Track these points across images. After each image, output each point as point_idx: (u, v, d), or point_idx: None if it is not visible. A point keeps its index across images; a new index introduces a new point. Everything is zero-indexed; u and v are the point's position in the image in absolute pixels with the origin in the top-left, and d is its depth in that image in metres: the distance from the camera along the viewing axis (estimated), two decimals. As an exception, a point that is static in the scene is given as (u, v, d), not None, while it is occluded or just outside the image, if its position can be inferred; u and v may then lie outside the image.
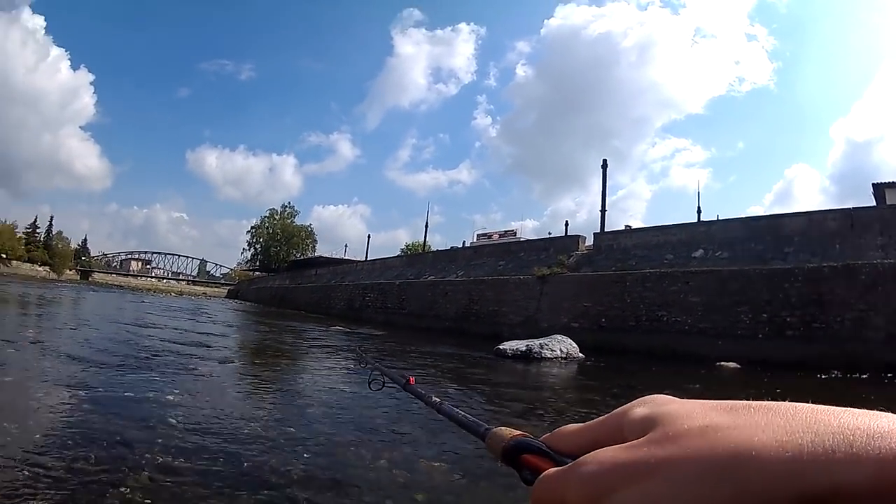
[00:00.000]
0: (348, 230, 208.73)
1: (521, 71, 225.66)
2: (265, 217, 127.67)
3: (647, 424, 0.43)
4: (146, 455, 5.32)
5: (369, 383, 1.85)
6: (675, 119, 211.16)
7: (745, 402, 0.40)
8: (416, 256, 56.27)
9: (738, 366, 18.10)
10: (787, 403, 0.38)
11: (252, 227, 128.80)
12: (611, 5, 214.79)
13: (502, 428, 0.63)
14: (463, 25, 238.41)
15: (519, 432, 0.60)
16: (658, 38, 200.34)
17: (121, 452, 5.37)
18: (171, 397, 8.02)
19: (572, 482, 0.43)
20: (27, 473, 4.59)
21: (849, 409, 0.36)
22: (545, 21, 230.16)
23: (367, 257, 72.75)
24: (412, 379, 1.47)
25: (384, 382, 1.78)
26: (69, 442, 5.55)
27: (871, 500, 0.31)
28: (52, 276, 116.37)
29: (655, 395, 0.48)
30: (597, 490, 0.40)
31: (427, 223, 74.50)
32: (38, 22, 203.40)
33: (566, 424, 0.53)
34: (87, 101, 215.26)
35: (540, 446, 0.54)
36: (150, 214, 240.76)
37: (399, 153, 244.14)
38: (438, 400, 1.03)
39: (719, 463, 0.35)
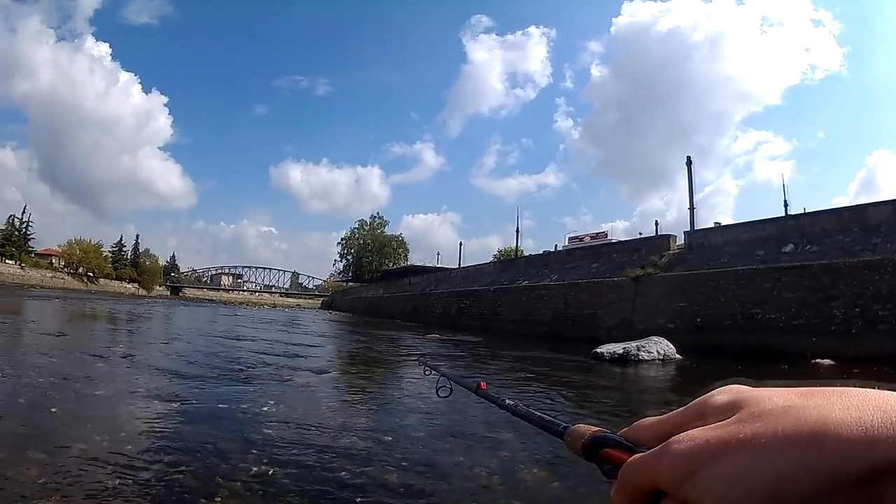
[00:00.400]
0: (439, 238, 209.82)
1: (596, 71, 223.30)
2: (355, 228, 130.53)
3: (731, 407, 0.47)
4: (240, 465, 5.49)
5: (437, 390, 1.85)
6: (753, 112, 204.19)
7: (818, 387, 0.45)
8: (509, 262, 56.33)
9: (833, 362, 17.64)
10: (857, 388, 0.43)
11: (342, 239, 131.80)
12: None
13: (580, 425, 0.66)
14: (533, 29, 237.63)
15: (597, 428, 0.63)
16: (727, 30, 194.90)
17: (214, 462, 5.55)
18: (265, 408, 8.26)
19: (664, 461, 0.46)
20: (119, 482, 4.66)
21: None
22: (613, 19, 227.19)
23: (460, 264, 73.87)
24: (483, 384, 1.40)
25: (451, 389, 1.78)
26: (161, 452, 5.81)
27: None
28: (142, 292, 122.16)
29: (732, 384, 0.52)
30: (689, 466, 0.44)
31: (518, 228, 76.14)
32: (103, 49, 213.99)
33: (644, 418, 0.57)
34: (163, 123, 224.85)
35: (620, 440, 0.58)
36: (238, 230, 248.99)
37: (484, 159, 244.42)
38: (513, 402, 1.02)
39: (803, 437, 0.39)
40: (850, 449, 0.38)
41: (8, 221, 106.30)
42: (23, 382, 8.75)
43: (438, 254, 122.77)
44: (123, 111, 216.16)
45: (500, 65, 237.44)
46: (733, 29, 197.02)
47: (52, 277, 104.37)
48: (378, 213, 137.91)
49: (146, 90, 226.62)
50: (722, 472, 0.42)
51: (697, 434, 0.46)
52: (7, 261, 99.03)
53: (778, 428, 0.41)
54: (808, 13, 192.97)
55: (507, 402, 1.04)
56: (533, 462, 5.95)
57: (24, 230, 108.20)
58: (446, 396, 1.98)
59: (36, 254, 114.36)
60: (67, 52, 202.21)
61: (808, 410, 0.42)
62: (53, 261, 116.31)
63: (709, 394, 0.52)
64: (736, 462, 0.42)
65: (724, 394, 0.50)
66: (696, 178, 45.64)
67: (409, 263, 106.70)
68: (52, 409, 7.19)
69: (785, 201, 48.09)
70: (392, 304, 68.93)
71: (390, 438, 6.99)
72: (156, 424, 6.97)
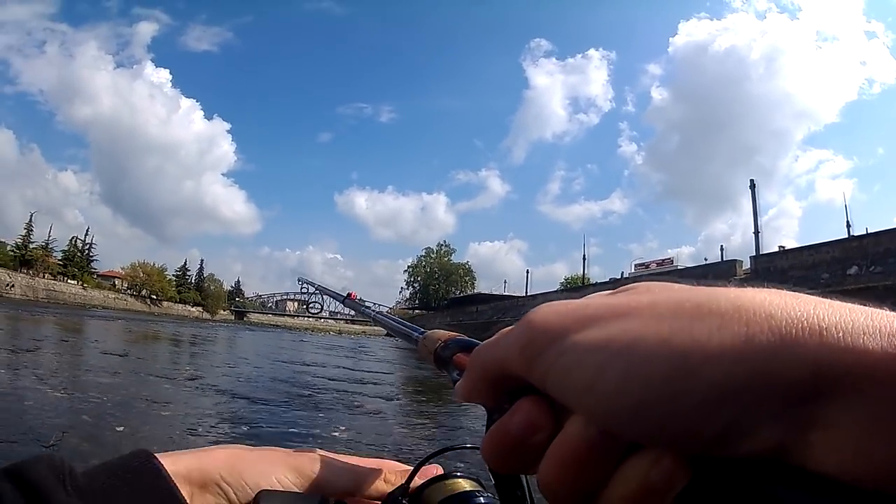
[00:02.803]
0: (506, 265, 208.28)
1: (657, 94, 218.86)
2: (422, 256, 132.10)
3: (624, 290, 0.38)
4: None
5: (307, 306, 2.07)
6: (814, 131, 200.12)
7: None
8: (576, 290, 57.17)
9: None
10: None
11: (409, 266, 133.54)
12: (730, 16, 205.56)
13: (437, 330, 0.62)
14: (592, 52, 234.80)
15: (456, 333, 0.59)
16: (783, 47, 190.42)
17: None
18: (336, 434, 8.33)
19: (514, 334, 0.37)
20: None
21: None
22: (670, 39, 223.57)
23: (527, 292, 75.13)
24: (353, 294, 1.79)
25: (322, 307, 2.12)
26: None
27: (888, 385, 0.26)
28: (206, 316, 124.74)
29: None
30: (549, 334, 0.34)
31: (585, 255, 77.14)
32: (164, 75, 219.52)
33: None
34: (226, 149, 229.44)
35: (478, 343, 0.49)
36: (304, 256, 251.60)
37: (549, 186, 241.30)
38: (374, 310, 1.19)
39: (722, 307, 0.30)
40: (787, 338, 0.28)
41: (70, 243, 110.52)
42: (87, 400, 9.00)
43: (505, 282, 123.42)
44: (185, 137, 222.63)
45: (562, 89, 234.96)
46: (789, 45, 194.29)
47: (114, 298, 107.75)
48: (445, 241, 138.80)
49: (208, 116, 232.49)
50: (597, 341, 0.32)
51: (565, 302, 0.36)
52: (69, 281, 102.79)
53: (685, 297, 0.32)
54: (861, 25, 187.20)
55: (370, 310, 1.24)
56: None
57: (86, 251, 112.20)
58: (317, 313, 2.24)
59: (98, 275, 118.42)
60: (127, 78, 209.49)
61: (726, 290, 0.32)
62: (116, 282, 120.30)
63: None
64: (619, 329, 0.32)
65: (624, 287, 0.39)
66: (759, 201, 45.23)
67: (475, 291, 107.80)
68: (118, 428, 7.36)
69: (847, 222, 47.17)
70: (459, 332, 69.13)
71: (462, 464, 6.90)
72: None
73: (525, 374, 0.35)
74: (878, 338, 0.27)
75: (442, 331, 0.62)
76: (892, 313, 0.28)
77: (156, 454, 0.48)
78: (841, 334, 0.27)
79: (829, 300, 0.30)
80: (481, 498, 0.53)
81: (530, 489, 0.46)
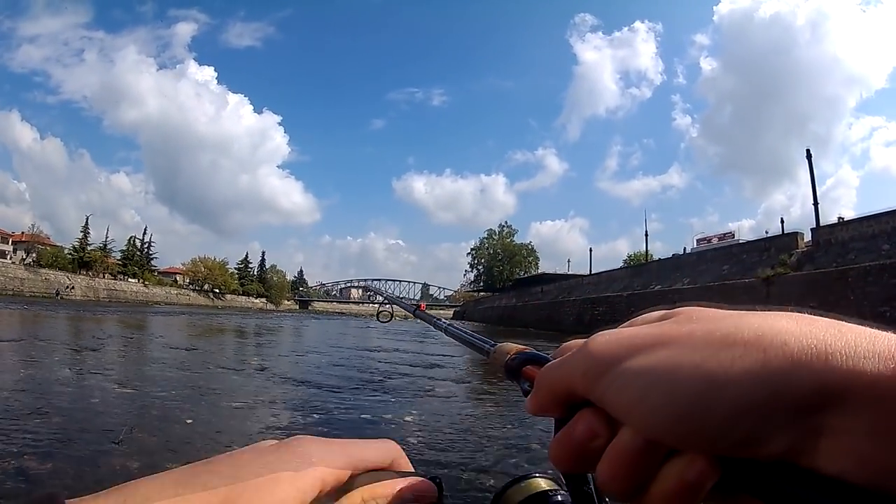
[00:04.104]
0: (568, 244, 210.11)
1: (706, 64, 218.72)
2: (484, 238, 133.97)
3: (665, 317, 0.45)
4: None
5: (377, 315, 2.43)
6: (865, 97, 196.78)
7: None
8: (640, 267, 58.16)
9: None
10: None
11: (472, 249, 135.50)
12: None
13: (507, 343, 0.68)
14: (638, 24, 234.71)
15: (525, 347, 0.64)
16: (827, 11, 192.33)
17: None
18: (409, 418, 8.33)
19: (578, 359, 0.44)
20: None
21: None
22: (714, 8, 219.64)
23: (590, 271, 74.60)
24: (423, 305, 1.97)
25: (392, 314, 2.41)
26: None
27: (883, 400, 0.32)
28: (270, 306, 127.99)
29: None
30: (605, 360, 0.41)
31: (646, 232, 77.05)
32: (208, 73, 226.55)
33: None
34: (279, 141, 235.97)
35: (544, 357, 0.58)
36: (366, 243, 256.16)
37: (607, 162, 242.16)
38: (445, 322, 1.25)
39: (744, 337, 0.37)
40: (798, 360, 0.34)
41: (129, 242, 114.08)
42: (154, 394, 9.05)
43: (569, 260, 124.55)
44: (237, 131, 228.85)
45: (612, 64, 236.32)
46: (833, 9, 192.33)
47: (176, 294, 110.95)
48: (506, 222, 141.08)
49: (257, 110, 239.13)
50: (645, 367, 0.39)
51: (620, 330, 0.44)
52: (130, 279, 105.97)
53: (715, 328, 0.39)
54: None
55: (442, 322, 1.31)
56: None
57: (145, 250, 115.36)
58: (386, 321, 2.54)
59: (160, 272, 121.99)
60: (171, 79, 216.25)
61: (750, 317, 0.39)
62: (178, 278, 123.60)
63: (645, 313, 0.48)
64: (663, 357, 0.39)
65: (661, 310, 0.47)
66: (815, 171, 45.01)
67: (540, 271, 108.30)
68: (188, 421, 7.31)
69: None
70: (525, 313, 69.68)
71: (537, 446, 7.01)
72: (296, 435, 6.89)
73: (585, 392, 0.42)
74: (876, 360, 0.32)
75: (510, 344, 0.67)
76: (893, 335, 0.35)
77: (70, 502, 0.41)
78: (843, 357, 0.33)
79: (840, 324, 0.36)
80: (558, 496, 0.58)
81: (597, 486, 0.52)
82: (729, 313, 0.41)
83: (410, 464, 0.57)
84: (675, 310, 0.45)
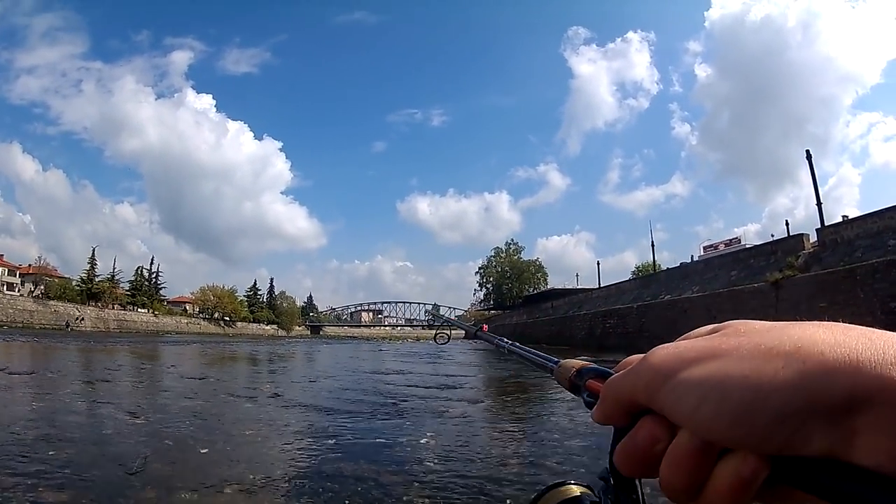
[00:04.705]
0: (576, 259, 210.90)
1: (701, 71, 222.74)
2: (491, 256, 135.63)
3: (715, 331, 0.50)
4: (404, 497, 5.55)
5: (435, 338, 2.44)
6: (861, 94, 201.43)
7: None
8: (648, 277, 58.58)
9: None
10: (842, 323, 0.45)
11: (480, 268, 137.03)
12: None
13: (570, 360, 0.73)
14: (631, 34, 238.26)
15: (586, 362, 0.68)
16: (817, 10, 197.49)
17: (377, 497, 5.56)
18: (424, 440, 8.31)
19: (640, 371, 0.49)
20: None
21: None
22: (705, 14, 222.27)
23: (599, 284, 75.65)
24: (485, 327, 2.00)
25: (449, 336, 2.39)
26: (321, 489, 5.80)
27: None
28: (281, 333, 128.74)
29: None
30: (665, 372, 0.46)
31: (653, 242, 78.89)
32: (207, 101, 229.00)
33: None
34: (280, 167, 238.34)
35: (605, 371, 0.63)
36: (373, 266, 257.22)
37: (609, 175, 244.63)
38: (508, 341, 1.28)
39: (785, 350, 0.42)
40: (832, 368, 0.39)
41: (136, 272, 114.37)
42: (168, 424, 9.01)
43: (577, 275, 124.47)
44: (238, 159, 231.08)
45: (607, 75, 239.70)
46: (823, 8, 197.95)
47: (187, 323, 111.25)
48: (513, 240, 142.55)
49: (258, 137, 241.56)
50: (701, 377, 0.44)
51: (677, 343, 0.49)
52: (139, 310, 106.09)
53: (761, 341, 0.44)
54: None
55: (504, 342, 1.34)
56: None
57: (153, 280, 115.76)
58: (444, 343, 2.59)
59: (169, 301, 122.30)
60: (169, 108, 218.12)
61: (791, 329, 0.44)
62: (187, 307, 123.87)
63: (696, 329, 0.54)
64: (715, 367, 0.44)
65: (711, 325, 0.52)
66: (816, 171, 45.84)
67: (549, 287, 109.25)
68: (202, 451, 7.28)
69: None
70: (536, 329, 70.18)
71: (554, 464, 6.93)
72: (312, 461, 6.98)
73: (647, 402, 0.48)
74: None
75: (573, 360, 0.72)
76: None
77: None
78: (872, 365, 0.38)
79: (872, 333, 0.42)
80: (589, 502, 0.64)
81: (643, 493, 0.62)
82: (772, 326, 0.46)
83: None
84: (724, 324, 0.50)
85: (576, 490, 0.65)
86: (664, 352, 0.48)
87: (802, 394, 0.39)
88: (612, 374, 0.56)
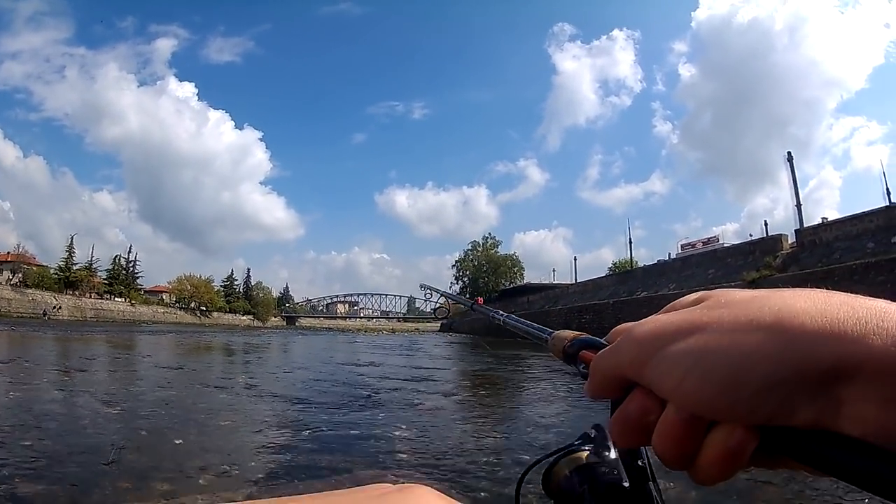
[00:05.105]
0: (553, 254, 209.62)
1: (685, 71, 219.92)
2: (468, 250, 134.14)
3: (698, 301, 0.50)
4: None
5: (434, 312, 2.03)
6: (845, 98, 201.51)
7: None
8: (625, 274, 58.94)
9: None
10: (824, 290, 0.45)
11: (456, 261, 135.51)
12: None
13: (563, 331, 0.72)
14: (617, 32, 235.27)
15: (580, 333, 0.68)
16: (805, 14, 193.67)
17: (349, 487, 5.39)
18: (398, 433, 8.35)
19: (625, 346, 0.49)
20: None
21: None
22: (692, 14, 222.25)
23: (575, 279, 76.00)
24: (480, 300, 1.96)
25: (448, 311, 3.33)
26: (295, 481, 5.85)
27: (891, 371, 0.37)
28: (257, 323, 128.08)
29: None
30: (649, 347, 0.47)
31: (630, 239, 78.81)
32: (188, 89, 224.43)
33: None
34: (260, 157, 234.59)
35: (597, 341, 0.62)
36: (350, 258, 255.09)
37: (588, 171, 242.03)
38: (503, 314, 1.28)
39: (767, 321, 0.42)
40: (815, 338, 0.39)
41: (113, 261, 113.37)
42: (143, 415, 9.03)
43: (553, 270, 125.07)
44: (218, 148, 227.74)
45: (591, 73, 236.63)
46: (811, 12, 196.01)
47: (163, 313, 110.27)
48: (490, 234, 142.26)
49: (238, 126, 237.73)
50: (682, 351, 0.44)
51: (659, 318, 0.50)
52: (116, 299, 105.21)
53: (741, 312, 0.44)
54: None
55: (499, 314, 1.33)
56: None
57: (131, 269, 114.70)
58: (444, 318, 2.36)
59: (146, 291, 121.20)
60: (151, 95, 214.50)
61: (773, 299, 0.44)
62: (164, 297, 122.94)
63: (680, 298, 0.54)
64: (697, 342, 0.44)
65: (694, 294, 0.52)
66: (797, 173, 46.33)
67: (525, 282, 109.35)
68: (177, 441, 7.32)
69: (886, 189, 46.87)
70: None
71: (527, 457, 6.97)
72: (287, 452, 7.05)
73: (634, 377, 0.48)
74: (885, 336, 0.37)
75: (567, 331, 0.70)
76: None
77: None
78: (855, 335, 0.38)
79: (854, 301, 0.42)
80: (606, 466, 0.64)
81: (649, 457, 0.64)
82: (752, 296, 0.45)
83: None
84: (705, 293, 0.50)
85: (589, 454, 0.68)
86: (647, 326, 0.49)
87: (785, 365, 0.39)
88: (605, 345, 0.58)
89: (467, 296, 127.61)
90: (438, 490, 0.53)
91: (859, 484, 0.37)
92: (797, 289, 0.45)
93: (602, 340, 0.60)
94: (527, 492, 0.78)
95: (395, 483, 0.51)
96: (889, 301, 0.41)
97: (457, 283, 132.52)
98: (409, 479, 5.71)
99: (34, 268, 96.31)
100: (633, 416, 0.48)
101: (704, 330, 0.44)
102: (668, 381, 0.44)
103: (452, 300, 2.48)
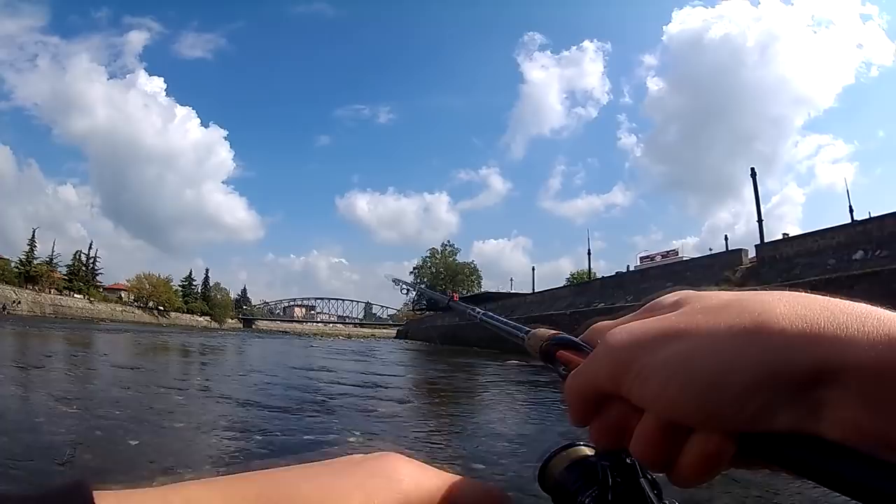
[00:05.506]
0: (511, 263, 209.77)
1: (653, 84, 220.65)
2: (426, 257, 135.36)
3: (676, 305, 0.49)
4: None
5: (413, 305, 2.18)
6: (813, 116, 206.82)
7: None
8: (583, 285, 59.38)
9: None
10: (804, 293, 0.45)
11: (415, 268, 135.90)
12: (724, 3, 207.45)
13: (540, 329, 0.70)
14: (587, 43, 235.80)
15: (557, 331, 0.66)
16: (778, 33, 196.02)
17: None
18: (352, 439, 8.44)
19: (601, 358, 0.48)
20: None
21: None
22: (664, 27, 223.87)
23: (533, 289, 76.49)
24: (455, 296, 1.86)
25: (427, 302, 2.14)
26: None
27: (876, 376, 0.36)
28: (214, 325, 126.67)
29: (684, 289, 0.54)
30: (626, 357, 0.46)
31: (589, 250, 79.81)
32: (158, 84, 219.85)
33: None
34: (224, 157, 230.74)
35: (576, 341, 0.61)
36: (309, 261, 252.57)
37: (550, 182, 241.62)
38: (481, 311, 1.18)
39: (746, 327, 0.41)
40: (794, 343, 0.39)
41: (74, 257, 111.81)
42: (99, 414, 9.01)
43: (511, 279, 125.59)
44: (183, 145, 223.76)
45: (558, 83, 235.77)
46: (784, 31, 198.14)
47: (121, 311, 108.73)
48: (449, 241, 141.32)
49: (204, 124, 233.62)
50: (661, 361, 0.43)
51: (635, 325, 0.48)
52: (75, 295, 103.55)
53: (721, 318, 0.43)
54: (856, 8, 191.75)
55: (477, 311, 1.25)
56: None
57: (91, 265, 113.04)
58: (422, 311, 2.33)
59: (105, 288, 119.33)
60: (120, 89, 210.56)
61: (752, 304, 0.43)
62: (123, 295, 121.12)
63: (660, 297, 0.54)
64: (676, 350, 0.43)
65: (672, 295, 0.52)
66: (761, 189, 46.83)
67: (482, 290, 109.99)
68: (131, 442, 7.36)
69: (850, 207, 47.94)
70: (469, 332, 69.79)
71: (482, 466, 7.11)
72: (241, 457, 7.10)
73: (612, 390, 0.47)
74: (864, 341, 0.37)
75: (543, 329, 0.69)
76: (884, 317, 0.39)
77: (98, 493, 0.36)
78: (834, 339, 0.38)
79: (833, 304, 0.41)
80: (602, 462, 0.60)
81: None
82: (728, 301, 0.46)
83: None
84: (686, 294, 0.51)
85: (586, 451, 0.67)
86: (622, 335, 0.48)
87: (766, 370, 0.39)
88: (583, 346, 0.58)
89: (424, 303, 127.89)
90: (409, 457, 0.50)
91: (836, 488, 0.37)
92: (776, 291, 0.46)
93: (578, 340, 0.61)
94: (522, 486, 0.87)
95: (366, 454, 0.49)
96: (869, 305, 0.41)
97: (413, 290, 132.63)
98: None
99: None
100: (612, 424, 0.48)
101: (683, 337, 0.44)
102: (646, 391, 0.44)
103: (428, 295, 2.51)
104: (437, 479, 0.49)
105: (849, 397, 0.37)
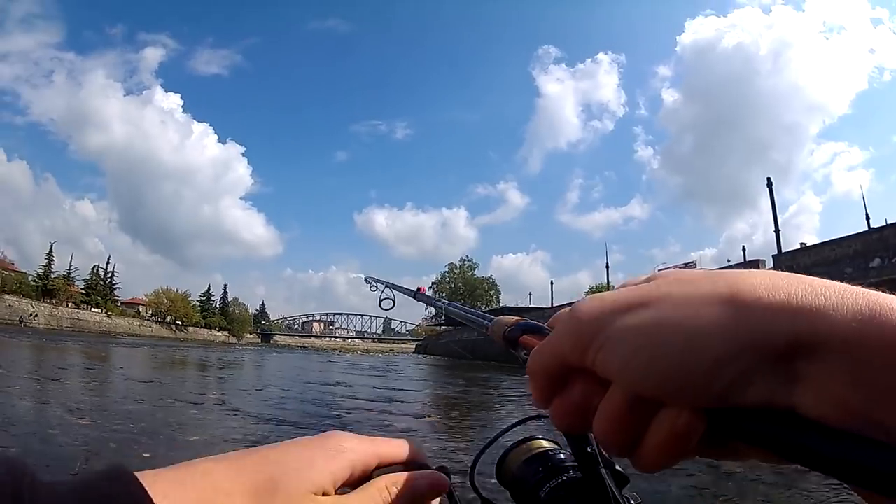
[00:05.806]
0: (530, 278, 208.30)
1: (668, 96, 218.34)
2: (445, 272, 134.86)
3: (650, 279, 0.47)
4: None
5: (380, 303, 2.51)
6: (828, 123, 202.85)
7: None
8: None
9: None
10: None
11: (433, 283, 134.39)
12: (736, 12, 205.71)
13: (505, 316, 0.68)
14: (602, 56, 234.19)
15: (521, 318, 0.64)
16: (790, 40, 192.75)
17: None
18: None
19: (564, 331, 0.46)
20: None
21: None
22: (677, 38, 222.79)
23: (552, 304, 76.57)
24: (422, 288, 1.99)
25: (394, 300, 2.53)
26: None
27: (856, 349, 0.35)
28: (232, 339, 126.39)
29: None
30: (592, 326, 0.43)
31: (608, 263, 79.58)
32: (174, 100, 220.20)
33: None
34: (242, 172, 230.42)
35: (540, 326, 0.59)
36: (327, 277, 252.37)
37: (568, 195, 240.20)
38: (446, 301, 1.25)
39: (719, 295, 0.39)
40: (771, 312, 0.37)
41: (92, 271, 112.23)
42: (113, 427, 8.96)
43: (530, 294, 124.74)
44: (200, 161, 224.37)
45: (574, 96, 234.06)
46: (796, 38, 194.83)
47: (139, 325, 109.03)
48: (467, 256, 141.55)
49: (222, 140, 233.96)
50: (631, 328, 0.41)
51: (605, 294, 0.46)
52: (93, 309, 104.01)
53: (695, 287, 0.41)
54: (866, 13, 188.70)
55: (443, 301, 1.33)
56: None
57: (108, 280, 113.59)
58: (389, 308, 2.67)
59: (122, 303, 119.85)
60: (137, 105, 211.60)
61: (728, 275, 0.42)
62: (140, 310, 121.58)
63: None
64: (647, 317, 0.41)
65: (646, 276, 0.49)
66: (777, 198, 46.35)
67: (501, 305, 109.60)
68: (145, 455, 7.30)
69: (867, 214, 46.95)
70: (488, 347, 69.80)
71: (493, 481, 6.97)
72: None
73: (577, 363, 0.44)
74: (845, 314, 0.35)
75: (508, 316, 0.67)
76: (862, 291, 0.38)
77: (137, 474, 0.42)
78: (812, 311, 0.36)
79: (812, 280, 0.39)
80: (561, 454, 0.63)
81: (598, 444, 0.61)
82: (707, 273, 0.43)
83: (426, 460, 0.62)
84: (659, 273, 0.48)
85: (544, 444, 0.67)
86: (590, 304, 0.45)
87: (739, 340, 0.37)
88: (548, 330, 0.55)
89: (443, 318, 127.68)
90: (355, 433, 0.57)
91: (810, 464, 0.35)
92: (753, 269, 0.42)
93: (543, 325, 0.58)
94: (481, 483, 0.80)
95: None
96: (847, 284, 0.39)
97: (383, 287, 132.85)
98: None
99: (13, 274, 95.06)
100: (576, 401, 0.45)
101: (655, 305, 0.41)
102: (613, 360, 0.41)
103: (396, 289, 2.54)
104: (373, 446, 0.57)
105: (827, 371, 0.36)
